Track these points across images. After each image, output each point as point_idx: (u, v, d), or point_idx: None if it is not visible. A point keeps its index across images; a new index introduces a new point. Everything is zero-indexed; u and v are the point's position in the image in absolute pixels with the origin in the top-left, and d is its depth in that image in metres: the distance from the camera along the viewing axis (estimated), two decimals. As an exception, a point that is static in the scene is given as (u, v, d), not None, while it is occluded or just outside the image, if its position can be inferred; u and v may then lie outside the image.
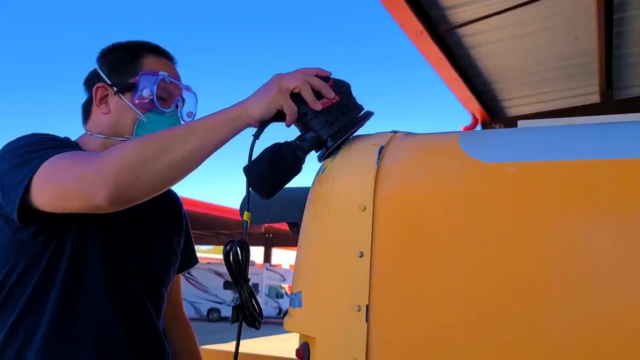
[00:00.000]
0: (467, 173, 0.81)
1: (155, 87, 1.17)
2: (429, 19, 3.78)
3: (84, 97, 1.26)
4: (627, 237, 0.71)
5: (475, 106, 5.04)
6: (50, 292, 1.07)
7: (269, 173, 0.90)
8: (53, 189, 0.98)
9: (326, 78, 0.96)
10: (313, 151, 0.96)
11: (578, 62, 4.25)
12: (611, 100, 4.60)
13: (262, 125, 0.96)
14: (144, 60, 1.20)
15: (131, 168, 0.93)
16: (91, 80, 1.22)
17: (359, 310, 0.82)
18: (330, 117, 0.93)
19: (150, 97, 1.16)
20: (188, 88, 1.25)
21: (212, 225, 16.58)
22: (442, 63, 4.28)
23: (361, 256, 0.84)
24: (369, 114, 0.96)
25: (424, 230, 0.82)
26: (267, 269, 21.80)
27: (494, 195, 0.79)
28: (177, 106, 1.22)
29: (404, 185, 0.86)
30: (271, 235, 20.85)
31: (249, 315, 0.94)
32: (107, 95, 1.19)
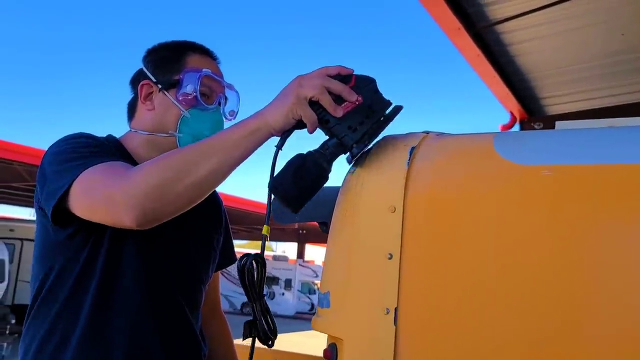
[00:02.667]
0: (500, 175, 0.79)
1: (199, 83, 1.18)
2: (466, 15, 3.72)
3: (127, 95, 1.29)
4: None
5: (514, 104, 4.93)
6: (87, 293, 1.09)
7: (294, 190, 0.88)
8: (86, 203, 1.02)
9: (348, 77, 0.91)
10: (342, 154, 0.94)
11: (623, 59, 4.10)
12: (657, 99, 4.43)
13: (284, 135, 0.94)
14: (188, 59, 1.22)
15: (156, 191, 0.94)
16: (137, 79, 1.25)
17: (388, 313, 0.81)
18: (353, 122, 0.89)
19: (194, 93, 1.18)
20: (231, 86, 1.26)
21: (245, 220, 16.74)
22: (480, 60, 4.20)
23: (390, 258, 0.83)
24: (397, 110, 0.91)
25: (454, 232, 0.80)
26: (300, 264, 21.91)
27: (528, 198, 0.76)
28: (219, 103, 1.23)
29: (435, 186, 0.85)
30: (305, 231, 20.94)
31: (262, 332, 0.93)
32: (151, 93, 1.22)
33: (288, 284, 21.03)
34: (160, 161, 0.98)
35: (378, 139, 0.92)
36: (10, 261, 12.28)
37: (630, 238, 0.70)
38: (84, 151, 1.07)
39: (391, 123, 0.92)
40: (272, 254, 25.59)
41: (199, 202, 1.01)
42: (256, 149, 0.96)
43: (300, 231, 21.00)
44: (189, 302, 1.21)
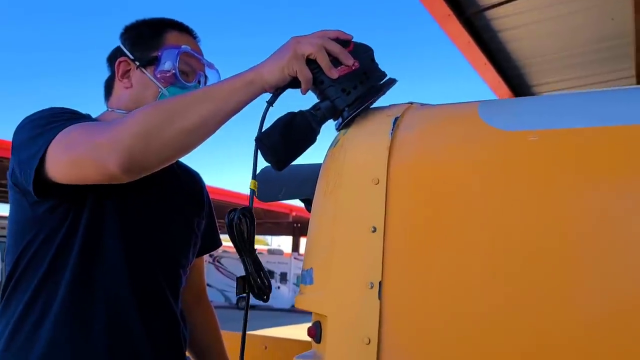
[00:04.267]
0: (486, 142, 0.77)
1: (177, 60, 1.16)
2: (456, 2, 3.69)
3: (105, 75, 1.26)
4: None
5: (505, 91, 4.91)
6: (67, 265, 1.06)
7: (280, 144, 0.86)
8: (67, 158, 0.97)
9: (347, 42, 0.91)
10: (332, 121, 0.92)
11: (612, 44, 4.09)
12: (648, 84, 4.42)
13: (276, 91, 0.92)
14: (167, 35, 1.20)
15: (144, 134, 0.91)
16: (114, 56, 1.22)
17: (372, 287, 0.79)
18: (347, 86, 0.88)
19: (172, 70, 1.15)
20: (211, 65, 1.24)
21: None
22: (471, 47, 4.17)
23: (374, 231, 0.80)
24: (391, 82, 0.91)
25: (439, 203, 0.78)
26: (295, 258, 21.91)
27: (515, 164, 0.74)
28: (199, 82, 1.20)
29: (419, 156, 0.82)
30: (299, 224, 20.91)
31: (255, 287, 0.91)
32: (129, 70, 1.19)
33: (283, 277, 21.04)
34: (150, 107, 0.95)
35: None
36: (2, 259, 12.21)
37: (621, 202, 0.68)
38: (61, 117, 1.03)
39: (383, 96, 0.91)
40: (267, 247, 25.60)
41: (187, 153, 0.97)
42: (248, 101, 0.94)
43: (295, 224, 20.96)
44: (168, 280, 1.18)
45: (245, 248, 0.89)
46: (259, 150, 0.88)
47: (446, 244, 0.76)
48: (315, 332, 0.86)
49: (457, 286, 0.75)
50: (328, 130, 0.96)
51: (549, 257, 0.69)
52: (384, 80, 0.91)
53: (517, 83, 4.87)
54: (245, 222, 0.88)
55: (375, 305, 0.78)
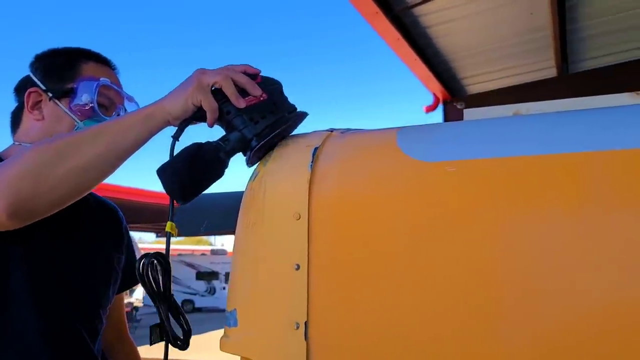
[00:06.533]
0: (403, 174, 0.75)
1: (96, 93, 1.09)
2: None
3: (13, 104, 1.16)
4: (573, 233, 0.67)
5: (436, 85, 5.02)
6: None
7: (184, 175, 0.81)
8: None
9: (254, 75, 0.88)
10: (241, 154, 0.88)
11: (533, 37, 4.25)
12: (567, 74, 4.64)
13: (181, 124, 0.87)
14: (84, 67, 1.13)
15: (30, 174, 0.83)
16: (23, 86, 1.13)
17: (298, 328, 0.76)
18: (255, 115, 0.85)
19: (91, 103, 1.08)
20: (131, 98, 1.17)
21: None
22: (400, 43, 4.22)
23: (297, 269, 0.77)
24: (301, 115, 0.89)
25: (361, 238, 0.76)
26: (239, 257, 21.66)
27: (433, 197, 0.73)
28: (118, 115, 1.13)
29: (340, 190, 0.80)
30: (225, 231, 20.63)
31: (171, 336, 0.86)
32: (40, 101, 1.11)
33: (228, 277, 20.79)
34: (40, 145, 0.88)
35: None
36: None
37: (539, 231, 0.68)
38: None
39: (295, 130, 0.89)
40: (210, 248, 25.17)
41: (81, 195, 0.90)
42: (150, 136, 0.88)
43: (220, 232, 20.70)
44: (88, 324, 1.10)
45: (159, 296, 0.83)
46: (162, 183, 0.83)
47: (371, 279, 0.74)
48: (243, 376, 0.82)
49: (385, 323, 0.73)
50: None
51: (474, 288, 0.69)
52: (294, 113, 0.88)
53: (447, 77, 4.99)
54: (158, 269, 0.82)
55: (302, 347, 0.76)
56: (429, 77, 4.84)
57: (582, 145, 0.67)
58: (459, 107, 5.26)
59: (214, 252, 22.08)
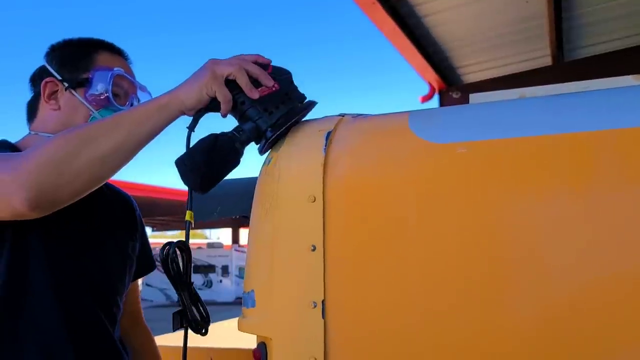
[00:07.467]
0: (416, 156, 0.78)
1: (111, 82, 1.10)
2: (380, -11, 3.73)
3: (28, 95, 1.18)
4: (582, 212, 0.69)
5: (432, 75, 5.03)
6: None
7: (202, 166, 0.84)
8: None
9: (265, 65, 0.90)
10: (253, 143, 0.90)
11: (529, 25, 4.27)
12: (562, 62, 4.66)
13: (196, 115, 0.89)
14: (98, 57, 1.14)
15: (51, 165, 0.85)
16: (39, 76, 1.14)
17: (315, 307, 0.78)
18: (269, 106, 0.87)
19: (105, 93, 1.10)
20: (143, 88, 1.19)
21: (175, 210, 16.31)
22: (396, 33, 4.24)
23: (314, 250, 0.80)
24: (311, 104, 0.91)
25: (375, 218, 0.78)
26: (235, 250, 21.72)
27: (445, 178, 0.75)
28: (131, 104, 1.15)
29: (354, 172, 0.82)
30: (239, 215, 20.65)
31: (193, 321, 0.88)
32: (56, 91, 1.12)
33: (225, 270, 20.82)
34: (60, 135, 0.90)
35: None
36: None
37: (549, 210, 0.70)
38: None
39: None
40: (206, 241, 25.19)
41: (100, 183, 0.92)
42: (164, 126, 0.90)
43: (235, 216, 20.71)
44: (106, 311, 1.12)
45: (181, 283, 0.86)
46: (179, 173, 0.85)
47: (385, 258, 0.77)
48: (261, 354, 0.85)
49: (399, 300, 0.75)
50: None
51: (486, 266, 0.71)
52: (304, 102, 0.90)
53: (443, 66, 5.01)
54: (182, 256, 0.85)
55: (319, 325, 0.78)
56: (425, 67, 4.85)
57: (592, 124, 0.69)
58: (454, 96, 5.28)
59: (210, 246, 22.10)
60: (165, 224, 20.09)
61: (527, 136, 0.72)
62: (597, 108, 0.75)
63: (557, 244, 0.69)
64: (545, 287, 0.69)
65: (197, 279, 21.02)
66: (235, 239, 22.81)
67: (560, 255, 0.69)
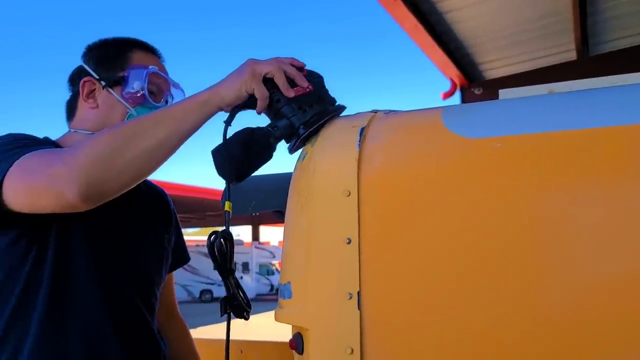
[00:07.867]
0: (451, 151, 0.79)
1: (146, 80, 1.15)
2: (401, -14, 3.73)
3: (66, 94, 1.22)
4: (615, 206, 0.70)
5: (454, 71, 5.01)
6: (37, 299, 1.03)
7: (238, 157, 0.88)
8: (23, 188, 0.94)
9: (300, 68, 0.95)
10: (284, 141, 0.93)
11: (553, 20, 4.23)
12: (587, 57, 4.61)
13: (233, 110, 0.93)
14: (133, 55, 1.18)
15: (101, 160, 0.89)
16: (77, 76, 1.19)
17: (351, 298, 0.81)
18: (303, 105, 0.92)
19: (141, 90, 1.15)
20: (176, 85, 1.23)
21: (197, 207, 16.49)
22: (418, 30, 4.23)
23: (349, 243, 0.82)
24: (341, 107, 0.95)
25: (410, 212, 0.80)
26: (255, 247, 21.84)
27: (481, 172, 0.76)
28: (166, 102, 1.20)
29: (388, 167, 0.84)
30: (258, 213, 20.76)
31: (238, 306, 0.92)
32: (94, 90, 1.17)
33: (245, 267, 20.97)
34: (106, 131, 0.95)
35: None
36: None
37: (584, 204, 0.71)
38: (18, 144, 0.99)
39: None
40: (226, 239, 25.27)
41: (147, 176, 0.97)
42: (204, 121, 0.94)
43: (253, 213, 20.83)
44: (145, 301, 1.16)
45: (226, 269, 0.89)
46: (215, 163, 0.89)
47: (419, 251, 0.78)
48: (297, 344, 0.87)
49: (434, 292, 0.77)
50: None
51: (520, 261, 0.73)
52: (335, 106, 0.95)
53: (465, 62, 4.98)
54: (227, 245, 0.89)
55: (355, 316, 0.80)
56: (446, 63, 4.84)
57: (628, 118, 0.70)
58: (476, 92, 5.25)
59: (231, 243, 22.25)
60: (186, 221, 20.30)
61: (562, 130, 0.73)
62: (630, 102, 0.75)
63: (600, 240, 0.70)
64: (585, 282, 0.70)
65: (218, 276, 21.13)
66: (255, 236, 22.93)
67: (603, 251, 0.70)
